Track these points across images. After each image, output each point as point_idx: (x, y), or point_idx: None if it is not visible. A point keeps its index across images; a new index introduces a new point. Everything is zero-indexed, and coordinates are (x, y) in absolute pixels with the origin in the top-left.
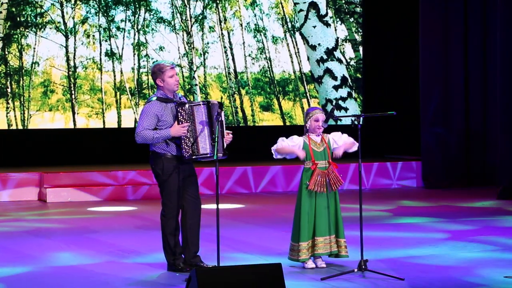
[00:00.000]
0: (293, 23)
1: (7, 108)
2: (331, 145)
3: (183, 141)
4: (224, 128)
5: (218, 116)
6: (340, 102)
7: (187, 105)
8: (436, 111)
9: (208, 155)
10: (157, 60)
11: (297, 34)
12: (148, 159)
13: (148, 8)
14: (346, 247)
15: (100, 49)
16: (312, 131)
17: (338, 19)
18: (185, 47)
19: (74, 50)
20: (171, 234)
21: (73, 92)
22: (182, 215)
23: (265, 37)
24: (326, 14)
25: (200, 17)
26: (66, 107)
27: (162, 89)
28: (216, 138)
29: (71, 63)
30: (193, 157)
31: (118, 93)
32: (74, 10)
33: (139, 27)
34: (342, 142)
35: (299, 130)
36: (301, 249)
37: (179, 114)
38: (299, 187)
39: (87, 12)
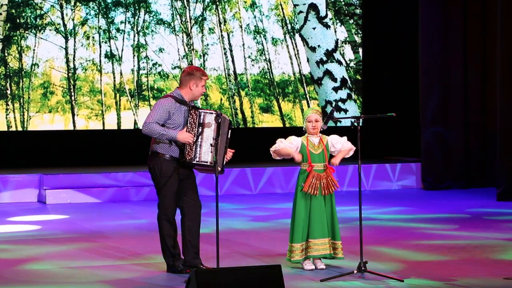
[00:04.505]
0: (292, 25)
1: (7, 109)
2: (329, 148)
3: (187, 144)
4: (228, 144)
5: (218, 117)
6: (340, 103)
7: (199, 111)
8: (436, 112)
9: (207, 164)
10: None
11: (297, 35)
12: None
13: (148, 9)
14: (342, 249)
15: (100, 50)
16: (308, 131)
17: (337, 21)
18: (184, 49)
19: (74, 52)
20: (169, 236)
21: (72, 93)
22: (182, 217)
23: (265, 39)
24: (326, 16)
25: (199, 19)
26: (65, 109)
27: (186, 92)
28: (216, 139)
29: (71, 65)
30: (193, 162)
31: (117, 95)
32: (74, 11)
33: (139, 28)
34: (340, 145)
35: (299, 132)
36: (294, 250)
37: (189, 117)
38: (295, 188)
39: (86, 14)
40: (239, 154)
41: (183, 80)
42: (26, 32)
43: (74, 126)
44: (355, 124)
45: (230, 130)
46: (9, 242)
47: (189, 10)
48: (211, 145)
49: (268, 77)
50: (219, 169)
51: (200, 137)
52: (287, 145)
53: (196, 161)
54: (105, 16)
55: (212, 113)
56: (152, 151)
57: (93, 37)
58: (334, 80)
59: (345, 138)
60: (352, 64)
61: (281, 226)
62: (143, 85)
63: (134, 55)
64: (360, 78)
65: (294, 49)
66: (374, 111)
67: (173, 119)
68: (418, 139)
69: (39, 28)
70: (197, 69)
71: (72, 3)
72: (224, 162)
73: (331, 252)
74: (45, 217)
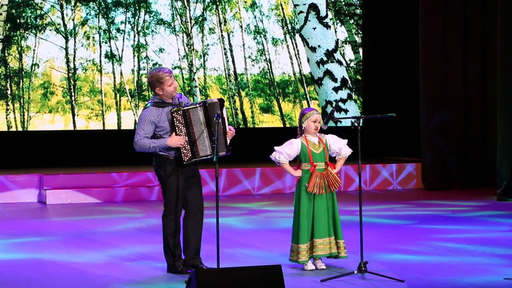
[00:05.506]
0: (293, 25)
1: (7, 110)
2: (328, 146)
3: (181, 146)
4: (227, 125)
5: (217, 117)
6: (340, 103)
7: (181, 110)
8: (436, 113)
9: (209, 156)
10: (156, 65)
11: (297, 35)
12: (151, 161)
13: (148, 10)
14: (345, 248)
15: (100, 51)
16: (308, 131)
17: (338, 21)
18: (185, 49)
19: (74, 52)
20: (172, 235)
21: (73, 94)
22: (185, 215)
23: (265, 39)
24: (326, 16)
25: (200, 19)
26: (66, 109)
27: (161, 96)
28: (216, 139)
29: (71, 65)
30: (193, 160)
31: (118, 95)
32: (74, 12)
33: (139, 29)
34: (336, 147)
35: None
36: (301, 251)
37: (174, 119)
38: (296, 188)
39: (87, 14)
40: (239, 154)
41: (151, 87)
42: (26, 32)
43: (74, 126)
44: (355, 124)
45: (224, 108)
46: (8, 243)
47: (189, 10)
48: (212, 142)
49: (268, 77)
50: (224, 152)
51: (191, 135)
52: (287, 152)
53: (196, 159)
54: (105, 16)
55: (196, 106)
56: (155, 154)
57: (93, 37)
58: (335, 80)
59: (345, 141)
60: (352, 64)
61: (281, 226)
62: (143, 85)
63: (134, 55)
64: (360, 78)
65: (294, 49)
66: (374, 111)
67: (161, 126)
68: (418, 139)
69: (39, 28)
70: (157, 72)
71: (72, 3)
72: (228, 141)
73: (333, 251)
74: (45, 217)
